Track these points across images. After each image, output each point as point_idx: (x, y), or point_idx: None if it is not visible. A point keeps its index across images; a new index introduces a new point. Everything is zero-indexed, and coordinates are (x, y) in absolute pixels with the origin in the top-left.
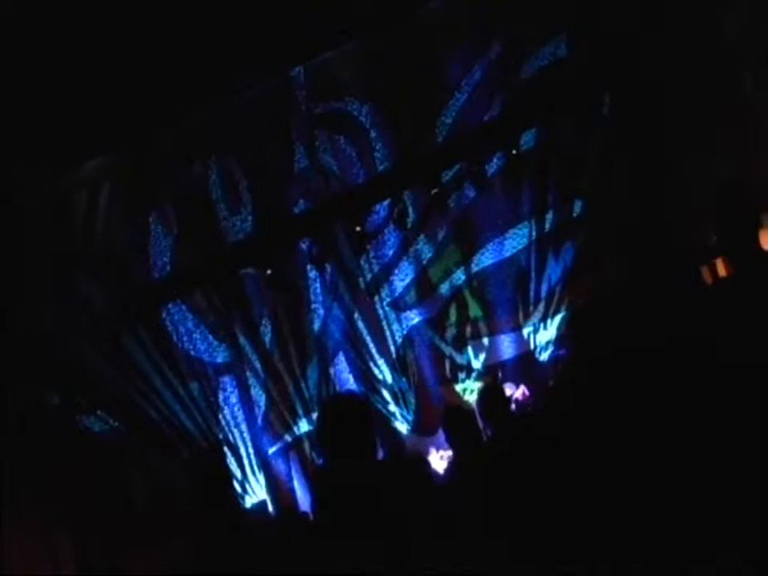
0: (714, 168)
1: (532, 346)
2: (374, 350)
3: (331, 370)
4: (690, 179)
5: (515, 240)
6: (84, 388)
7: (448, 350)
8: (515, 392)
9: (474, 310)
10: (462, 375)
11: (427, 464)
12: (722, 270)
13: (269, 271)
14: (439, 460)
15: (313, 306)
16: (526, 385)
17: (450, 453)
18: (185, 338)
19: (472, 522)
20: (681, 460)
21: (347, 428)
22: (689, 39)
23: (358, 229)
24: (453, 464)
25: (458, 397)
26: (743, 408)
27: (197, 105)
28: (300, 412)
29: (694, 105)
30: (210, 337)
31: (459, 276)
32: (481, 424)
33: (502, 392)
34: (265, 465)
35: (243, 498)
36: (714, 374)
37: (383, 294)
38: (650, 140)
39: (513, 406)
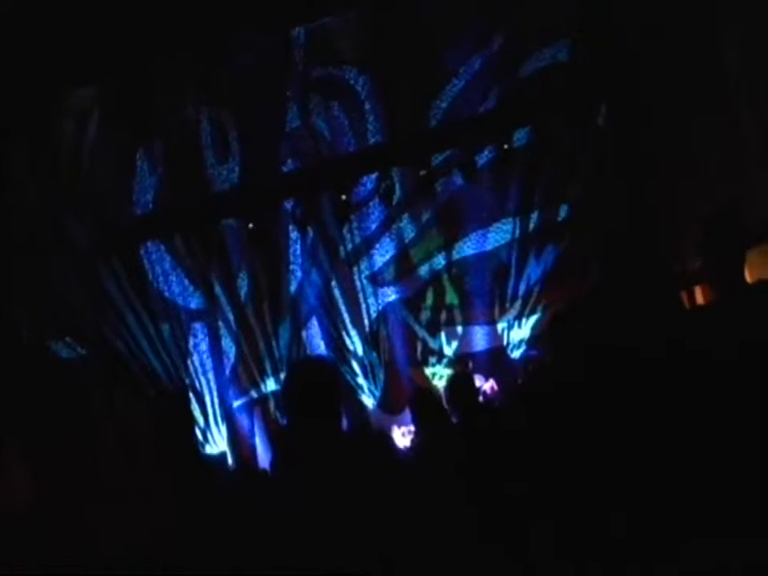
0: (704, 194)
1: (505, 342)
2: (347, 321)
3: (303, 334)
4: (679, 202)
5: (498, 234)
6: (54, 312)
7: (421, 332)
8: (484, 384)
9: (451, 297)
10: (432, 359)
11: (390, 440)
12: (700, 297)
13: (251, 225)
14: (401, 437)
15: (291, 266)
16: (495, 379)
17: (411, 428)
18: (160, 279)
19: (435, 503)
20: (645, 461)
21: (314, 392)
22: (689, 65)
23: (343, 197)
24: (417, 444)
25: (426, 380)
26: (717, 416)
27: (194, 50)
28: (268, 370)
29: (688, 130)
30: (186, 281)
31: (439, 261)
32: (448, 410)
33: (473, 381)
34: (228, 417)
35: (204, 447)
36: (683, 378)
37: (362, 267)
38: (642, 158)
39: (480, 398)
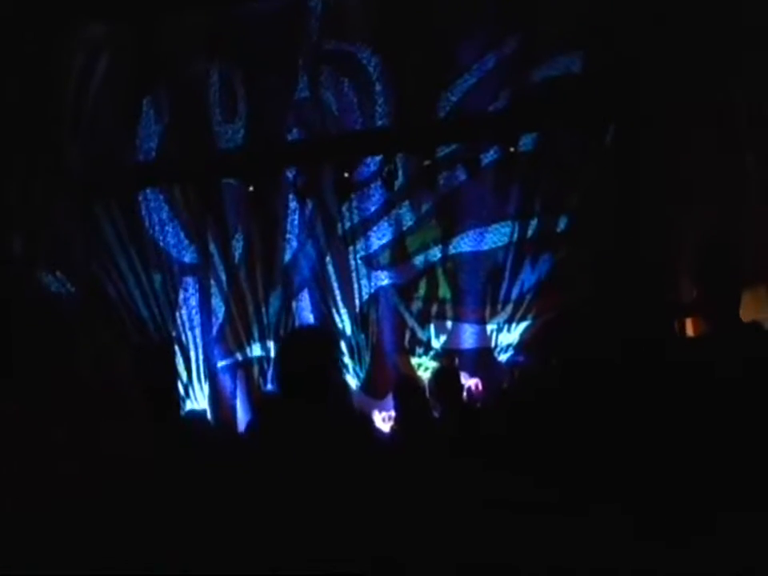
0: (703, 225)
1: (493, 344)
2: (338, 298)
3: (294, 304)
4: (678, 230)
5: (496, 236)
6: (47, 244)
7: (411, 321)
8: (469, 381)
9: (444, 291)
10: (419, 350)
11: (372, 423)
12: (690, 329)
13: (251, 188)
14: (381, 421)
15: (287, 236)
16: (480, 379)
17: (392, 414)
18: (156, 227)
19: (412, 492)
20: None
21: (310, 362)
22: (699, 102)
23: (345, 175)
24: (398, 431)
25: (412, 369)
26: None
27: (209, 3)
28: (255, 335)
29: (694, 164)
30: (182, 234)
31: (435, 253)
32: (431, 402)
33: (458, 376)
34: (211, 376)
35: (184, 402)
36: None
37: (358, 247)
38: (645, 182)
39: (465, 395)
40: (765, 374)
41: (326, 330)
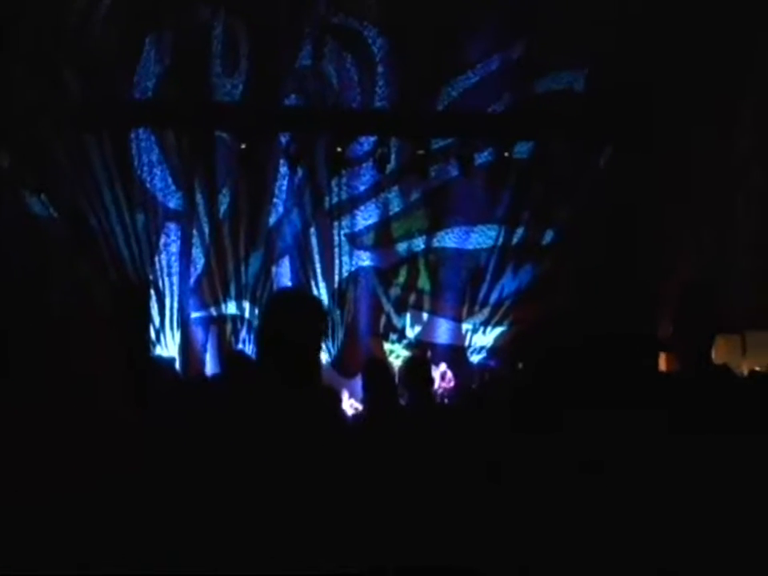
0: (688, 266)
1: (467, 344)
2: (318, 270)
3: (273, 269)
4: (663, 267)
5: (481, 237)
6: (36, 166)
7: (388, 306)
8: (438, 371)
9: (423, 282)
10: (393, 336)
11: (339, 398)
12: (663, 365)
13: (243, 146)
14: (349, 407)
15: (274, 200)
16: (454, 378)
17: (358, 406)
18: (145, 168)
19: (370, 475)
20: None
21: (301, 327)
22: (699, 140)
23: (338, 149)
24: (364, 412)
25: (384, 354)
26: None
27: None
28: (232, 293)
29: (688, 198)
30: (170, 179)
31: (419, 243)
32: (399, 389)
33: (429, 368)
34: (184, 325)
35: (154, 346)
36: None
37: (343, 223)
38: (634, 211)
39: (435, 387)
40: (726, 416)
41: (318, 298)
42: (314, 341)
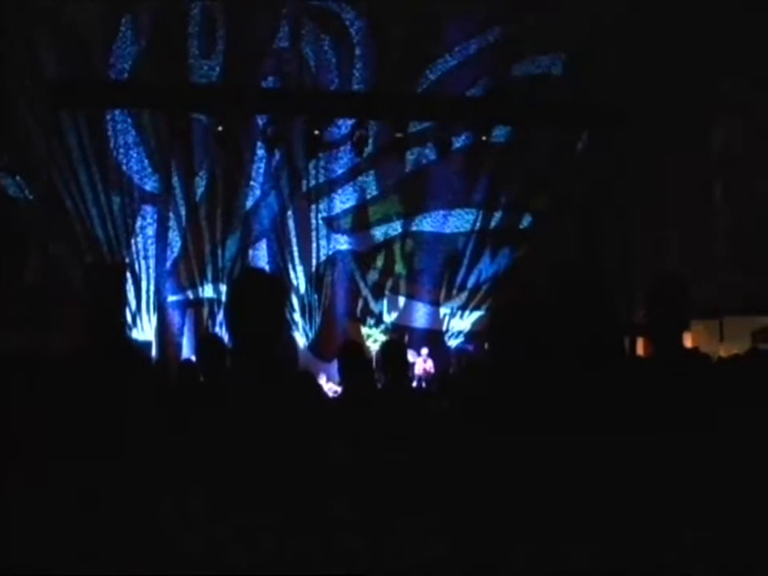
0: (666, 252)
1: (444, 328)
2: (296, 254)
3: (250, 252)
4: (639, 252)
5: (459, 221)
6: (11, 147)
7: (365, 290)
8: (416, 360)
9: (400, 267)
10: (370, 321)
11: (317, 382)
12: (640, 349)
13: (220, 128)
14: (327, 391)
15: (251, 182)
16: (433, 361)
17: (337, 389)
18: (121, 150)
19: (348, 461)
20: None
21: (260, 305)
22: (676, 129)
23: (316, 132)
24: (342, 396)
25: (361, 337)
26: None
27: None
28: (209, 276)
29: (664, 189)
30: (147, 161)
31: (396, 227)
32: (376, 374)
33: (406, 352)
34: (160, 309)
35: (131, 330)
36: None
37: (321, 207)
38: (611, 198)
39: (415, 373)
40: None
41: (278, 275)
42: (276, 319)
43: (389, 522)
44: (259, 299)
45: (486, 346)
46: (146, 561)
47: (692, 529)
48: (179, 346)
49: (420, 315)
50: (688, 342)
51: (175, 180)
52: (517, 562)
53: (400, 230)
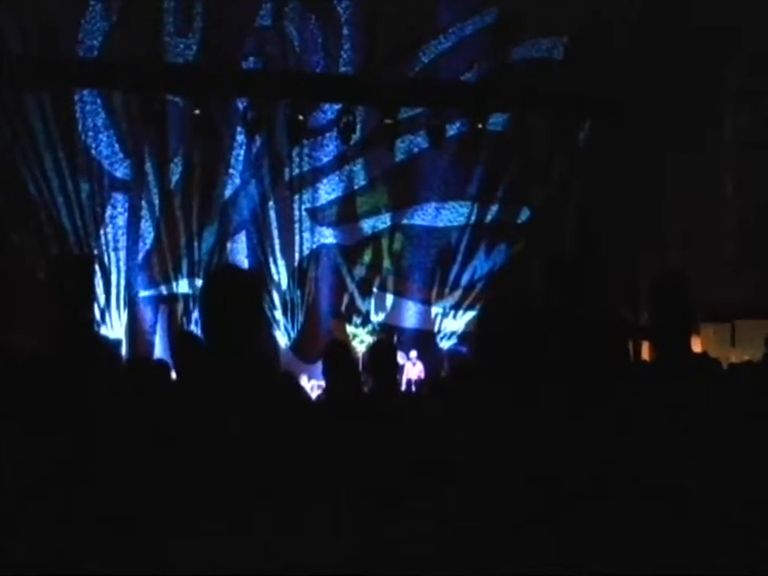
0: (673, 250)
1: (436, 329)
2: (277, 247)
3: (229, 245)
4: (645, 251)
5: (452, 214)
6: None
7: (351, 287)
8: (406, 364)
9: (389, 263)
10: (357, 319)
11: (300, 385)
12: (645, 353)
13: (197, 111)
14: (310, 390)
15: (230, 170)
16: (423, 364)
17: (322, 383)
18: (90, 133)
19: (333, 464)
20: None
21: (234, 306)
22: (683, 118)
23: (300, 117)
24: (326, 398)
25: (347, 337)
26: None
27: None
28: (184, 270)
29: (670, 182)
30: (117, 146)
31: (385, 220)
32: (363, 376)
33: (395, 354)
34: (131, 304)
35: (99, 327)
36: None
37: (304, 197)
38: (614, 191)
39: (406, 377)
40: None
41: (254, 272)
42: (252, 317)
43: (375, 527)
44: (235, 297)
45: (474, 346)
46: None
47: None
48: (151, 345)
49: (410, 315)
50: (697, 346)
51: (148, 166)
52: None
53: (389, 223)
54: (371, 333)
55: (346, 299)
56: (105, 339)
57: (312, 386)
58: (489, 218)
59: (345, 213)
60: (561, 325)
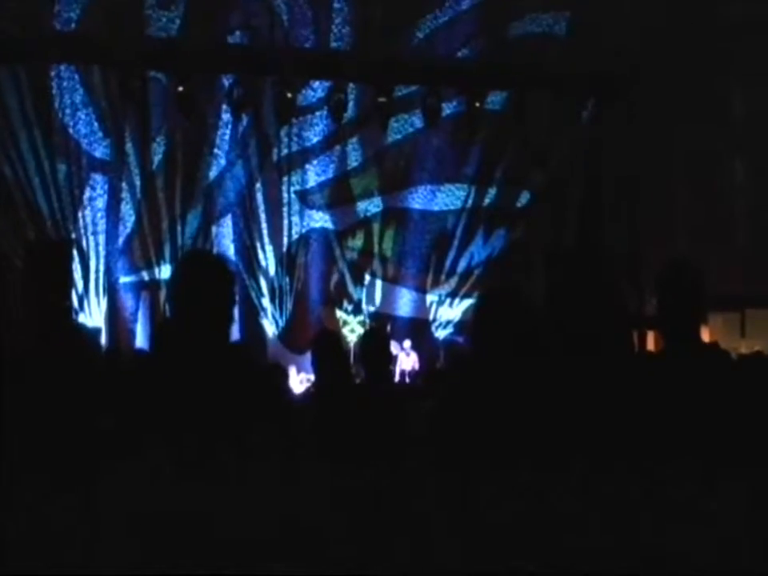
0: (680, 237)
1: (431, 317)
2: (264, 232)
3: (213, 229)
4: (649, 237)
5: (449, 197)
6: None
7: (343, 273)
8: (400, 354)
9: (383, 248)
10: (349, 306)
11: (286, 375)
12: (651, 344)
13: (181, 89)
14: (299, 383)
15: (215, 150)
16: (418, 356)
17: (311, 377)
18: (68, 111)
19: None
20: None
21: (207, 293)
22: (691, 98)
23: (288, 95)
24: (314, 391)
25: (337, 326)
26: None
27: None
28: (167, 255)
29: (680, 162)
30: (96, 125)
31: (378, 204)
32: (354, 367)
33: (388, 343)
34: (112, 291)
35: (77, 314)
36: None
37: (293, 179)
38: (617, 174)
39: (399, 368)
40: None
41: (227, 258)
42: (222, 303)
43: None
44: (204, 283)
45: (470, 338)
46: None
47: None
48: (132, 334)
49: (404, 303)
50: (705, 336)
51: (129, 146)
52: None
53: (382, 206)
54: (363, 322)
55: (336, 286)
56: (84, 328)
57: (301, 379)
58: (486, 201)
59: (336, 196)
60: (562, 317)
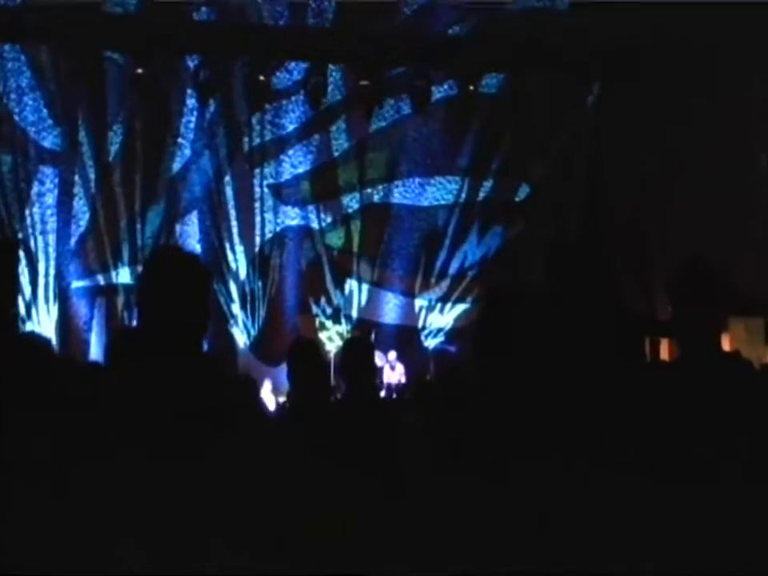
0: (694, 235)
1: (420, 324)
2: (234, 230)
3: (177, 227)
4: (660, 235)
5: (439, 191)
6: None
7: (322, 276)
8: (385, 367)
9: (366, 247)
10: (328, 310)
11: (256, 389)
12: (664, 352)
13: (140, 71)
14: (272, 398)
15: (179, 140)
16: (405, 367)
17: (285, 398)
18: (12, 96)
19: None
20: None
21: (177, 292)
22: (706, 80)
23: (261, 78)
24: (289, 406)
25: (316, 334)
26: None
27: None
28: (125, 257)
29: (687, 156)
30: (45, 111)
31: (361, 198)
32: (335, 379)
33: (372, 353)
34: (63, 297)
35: (24, 323)
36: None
37: (266, 171)
38: (624, 164)
39: (385, 381)
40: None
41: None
42: (198, 307)
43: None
44: (176, 284)
45: (470, 346)
46: None
47: None
48: (86, 344)
49: (390, 308)
50: (725, 344)
51: (82, 135)
52: None
53: (366, 201)
54: (340, 334)
55: (315, 291)
56: (35, 336)
57: (275, 393)
58: (482, 195)
59: (314, 190)
60: (567, 321)
